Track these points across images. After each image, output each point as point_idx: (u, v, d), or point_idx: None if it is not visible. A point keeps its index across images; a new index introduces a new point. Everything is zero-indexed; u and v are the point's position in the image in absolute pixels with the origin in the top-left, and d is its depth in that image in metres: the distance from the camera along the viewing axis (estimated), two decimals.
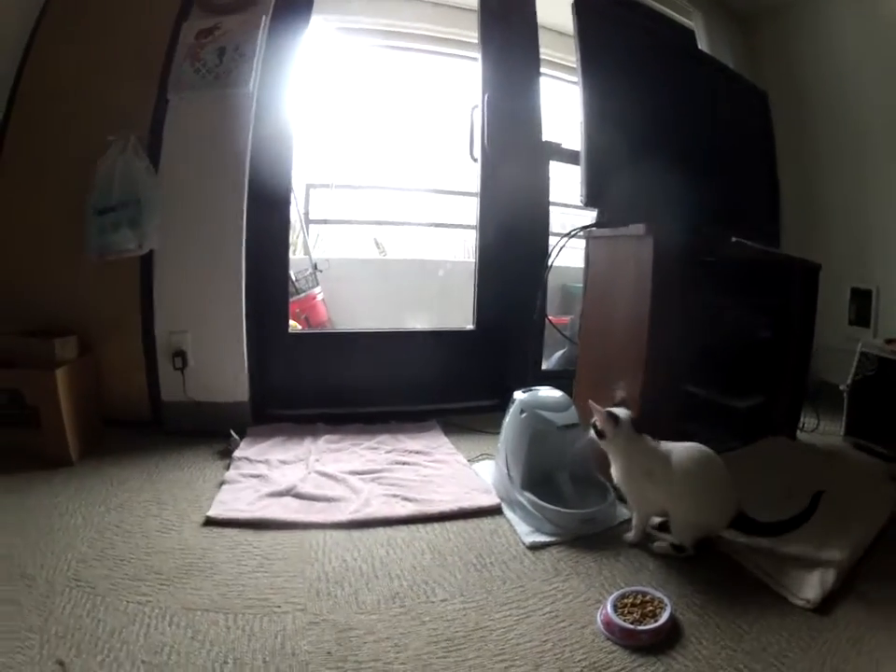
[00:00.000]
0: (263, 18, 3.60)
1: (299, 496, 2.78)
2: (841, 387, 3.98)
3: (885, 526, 2.69)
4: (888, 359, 3.79)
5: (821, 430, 4.11)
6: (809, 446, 3.84)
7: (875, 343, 3.97)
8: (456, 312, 4.96)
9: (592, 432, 2.54)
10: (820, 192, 5.24)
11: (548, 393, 2.93)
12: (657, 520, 2.56)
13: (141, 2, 3.62)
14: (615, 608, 1.98)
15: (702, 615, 2.03)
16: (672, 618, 1.95)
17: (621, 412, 2.50)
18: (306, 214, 6.46)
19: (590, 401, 2.56)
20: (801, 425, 4.06)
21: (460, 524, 2.63)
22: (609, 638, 1.89)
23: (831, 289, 4.26)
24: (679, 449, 2.40)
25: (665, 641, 1.87)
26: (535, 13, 4.34)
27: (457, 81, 6.00)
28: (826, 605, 2.10)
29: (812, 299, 3.88)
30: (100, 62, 3.55)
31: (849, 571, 2.30)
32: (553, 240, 4.17)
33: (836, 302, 4.95)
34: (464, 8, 5.35)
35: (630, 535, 2.54)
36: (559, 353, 4.85)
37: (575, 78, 3.15)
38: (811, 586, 2.16)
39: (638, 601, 2.02)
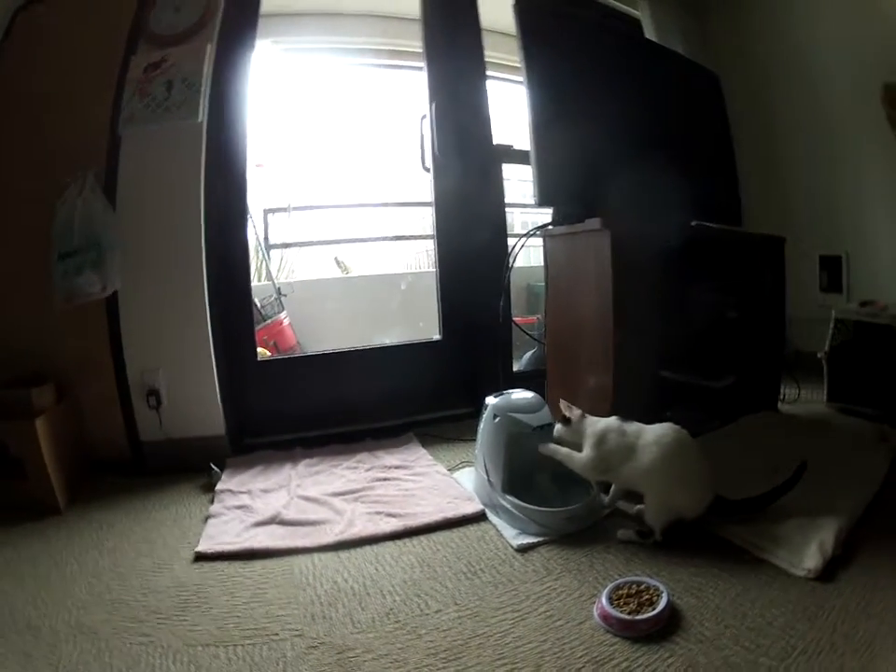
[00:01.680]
0: (209, 46, 3.59)
1: (283, 522, 2.78)
2: (819, 355, 4.02)
3: (880, 487, 2.72)
4: (863, 322, 3.84)
5: (803, 400, 4.18)
6: (792, 417, 3.88)
7: (849, 308, 4.03)
8: (423, 322, 4.98)
9: (558, 426, 2.61)
10: (783, 167, 5.30)
11: (520, 395, 2.94)
12: (636, 507, 2.58)
13: (89, 38, 3.60)
14: (610, 600, 1.98)
15: (700, 598, 2.04)
16: (670, 604, 1.95)
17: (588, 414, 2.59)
18: (266, 239, 6.47)
19: (561, 401, 2.63)
20: (782, 397, 4.12)
21: (446, 534, 2.64)
22: (608, 631, 1.89)
23: (800, 260, 4.36)
24: (651, 429, 2.44)
25: (665, 628, 1.88)
26: (477, 17, 4.36)
27: (407, 92, 6.05)
28: (828, 572, 2.11)
29: (780, 271, 3.95)
30: (51, 101, 3.54)
31: (848, 536, 2.31)
32: (512, 242, 4.19)
33: (807, 272, 5.00)
34: (408, 18, 5.36)
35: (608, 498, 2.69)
36: (529, 353, 4.86)
37: (519, 78, 3.17)
38: (811, 555, 2.17)
39: (634, 591, 2.03)
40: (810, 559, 2.14)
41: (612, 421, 2.52)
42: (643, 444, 2.40)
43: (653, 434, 2.41)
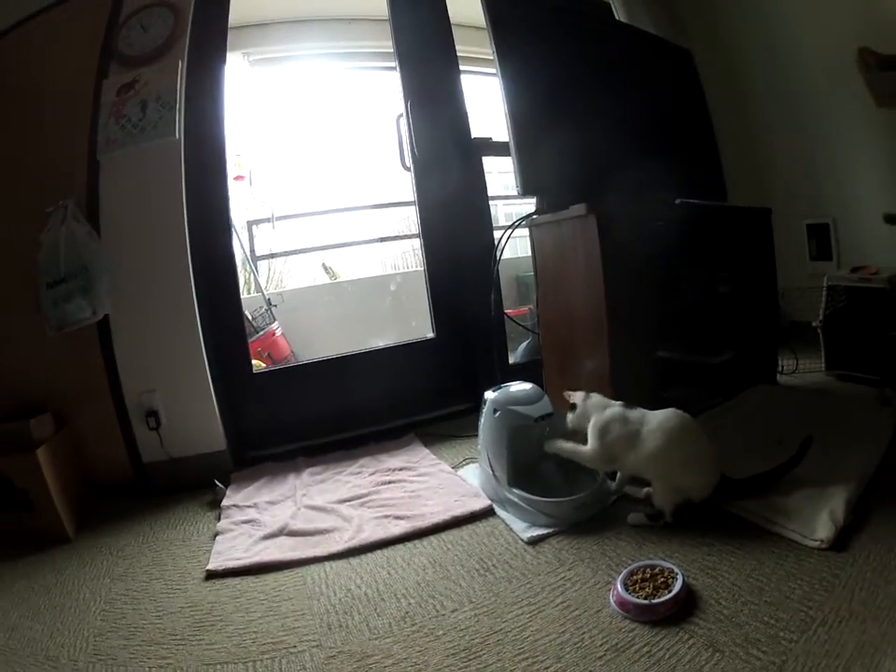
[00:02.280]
0: (180, 63, 3.57)
1: (292, 533, 2.77)
2: (814, 324, 4.03)
3: (886, 450, 2.72)
4: (856, 288, 3.86)
5: (801, 370, 4.18)
6: (792, 389, 3.91)
7: (840, 275, 4.04)
8: (415, 322, 4.97)
9: (569, 418, 2.61)
10: (763, 138, 5.32)
11: (518, 387, 2.92)
12: (644, 490, 2.57)
13: (61, 65, 3.59)
14: (626, 586, 1.98)
15: (716, 577, 2.04)
16: (686, 585, 1.94)
17: (593, 392, 2.61)
18: (252, 251, 6.44)
19: (564, 392, 2.66)
20: (780, 369, 4.12)
21: (455, 532, 2.64)
22: (626, 617, 1.89)
23: (787, 230, 4.44)
24: (654, 415, 2.44)
25: (683, 609, 1.87)
26: (446, 12, 4.35)
27: (382, 93, 6.04)
28: (841, 540, 2.11)
29: (768, 243, 3.96)
30: (28, 131, 3.54)
31: (858, 502, 2.31)
32: (498, 235, 4.18)
33: (795, 242, 5.04)
34: (376, 19, 5.36)
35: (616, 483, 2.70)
36: (524, 344, 4.86)
37: (494, 70, 3.16)
38: (822, 525, 2.16)
39: (648, 575, 2.02)
40: (822, 529, 2.14)
41: (616, 409, 2.51)
42: (647, 431, 2.40)
43: (657, 420, 2.41)
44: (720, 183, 4.28)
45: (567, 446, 2.60)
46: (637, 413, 2.48)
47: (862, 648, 1.61)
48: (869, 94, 4.23)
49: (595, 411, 2.54)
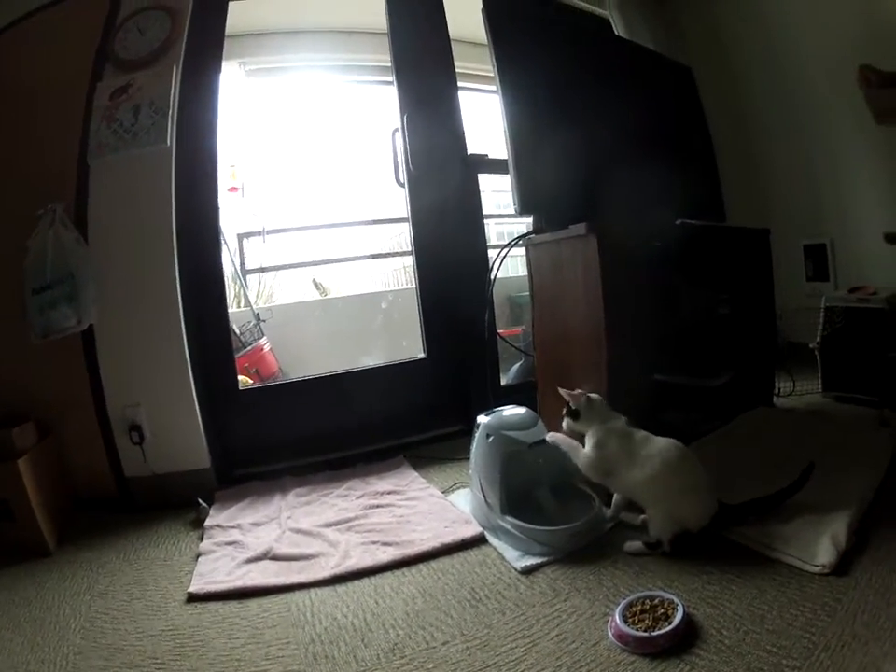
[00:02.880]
0: (174, 68, 3.53)
1: (276, 557, 2.70)
2: (811, 345, 4.04)
3: (886, 472, 2.74)
4: (854, 308, 3.86)
5: (798, 392, 4.18)
6: (790, 411, 3.93)
7: (839, 296, 4.04)
8: (406, 341, 4.93)
9: (565, 423, 2.57)
10: (761, 158, 5.34)
11: (512, 412, 2.88)
12: (640, 517, 2.52)
13: (55, 66, 3.54)
14: (624, 618, 1.92)
15: (717, 606, 2.00)
16: (686, 616, 1.89)
17: (593, 393, 2.56)
18: (242, 264, 6.40)
19: (559, 388, 2.61)
20: (777, 391, 4.12)
21: (446, 560, 2.56)
22: (624, 650, 1.83)
23: (784, 250, 4.41)
24: (655, 441, 2.41)
25: (684, 641, 1.82)
26: (446, 27, 4.33)
27: (378, 107, 6.02)
28: (843, 565, 2.10)
29: (767, 264, 3.96)
30: (19, 132, 3.50)
31: (859, 525, 2.31)
32: (492, 253, 4.14)
33: (792, 262, 5.05)
34: (375, 32, 5.33)
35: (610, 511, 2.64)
36: (516, 365, 4.83)
37: (493, 87, 3.13)
38: (824, 550, 2.15)
39: (648, 606, 1.97)
40: (824, 554, 2.14)
41: (621, 424, 2.48)
42: (645, 455, 2.37)
43: (657, 447, 2.38)
44: (718, 202, 4.26)
45: (569, 442, 2.57)
46: (640, 434, 2.45)
47: (865, 669, 1.62)
48: (868, 112, 4.24)
49: (597, 418, 2.50)
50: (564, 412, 2.58)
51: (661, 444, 2.38)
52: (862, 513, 2.38)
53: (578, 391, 2.56)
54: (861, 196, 4.67)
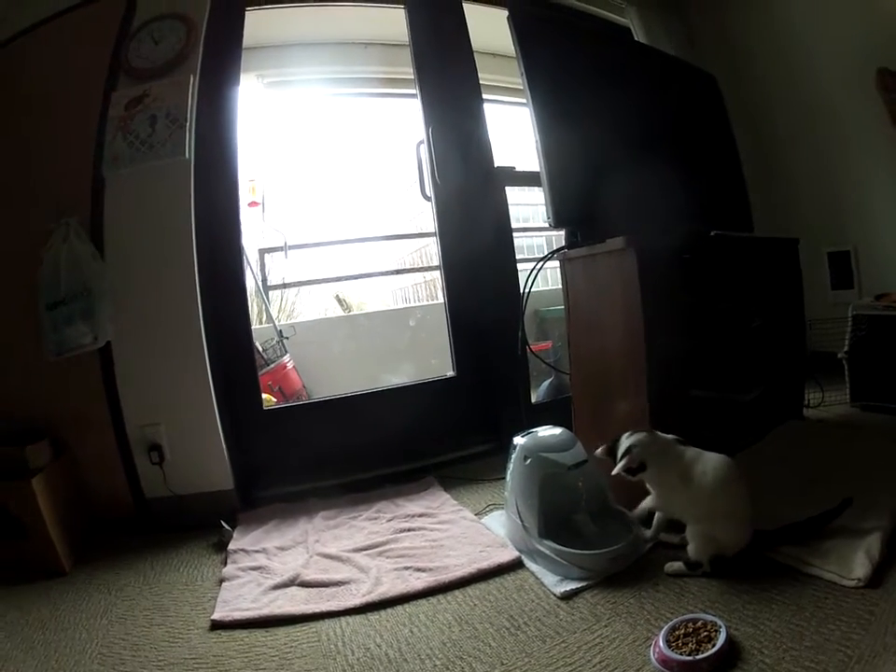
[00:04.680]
0: (192, 78, 3.48)
1: (304, 584, 2.60)
2: (839, 355, 4.04)
3: None
4: (880, 316, 3.85)
5: (827, 402, 4.16)
6: (820, 423, 3.91)
7: (865, 303, 4.04)
8: (436, 358, 4.86)
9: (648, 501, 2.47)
10: (782, 166, 5.32)
11: (549, 432, 2.78)
12: (679, 536, 2.43)
13: (69, 76, 3.50)
14: (668, 642, 1.86)
15: (757, 625, 1.95)
16: (729, 637, 1.85)
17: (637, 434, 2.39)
18: (264, 280, 6.36)
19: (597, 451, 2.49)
20: (806, 402, 4.10)
21: (482, 586, 2.47)
22: None
23: (809, 258, 4.29)
24: (708, 458, 2.32)
25: (726, 661, 1.78)
26: (468, 38, 4.27)
27: (402, 120, 6.00)
28: (876, 577, 2.09)
29: (796, 274, 3.95)
30: (32, 146, 3.43)
31: (892, 537, 2.31)
32: (520, 268, 4.07)
33: (816, 271, 5.00)
34: (397, 44, 5.28)
35: (650, 531, 2.55)
36: (546, 382, 4.79)
37: (517, 99, 3.09)
38: (859, 564, 2.14)
39: (691, 629, 1.91)
40: (859, 568, 2.12)
41: (672, 450, 2.37)
42: (699, 471, 2.28)
43: (710, 463, 2.29)
44: (746, 212, 4.22)
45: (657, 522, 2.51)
46: (690, 451, 2.36)
47: None
48: (888, 116, 4.20)
49: (653, 457, 2.35)
50: (622, 466, 2.36)
51: (714, 461, 2.30)
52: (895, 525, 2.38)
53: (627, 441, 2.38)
54: (883, 202, 4.67)
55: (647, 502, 2.50)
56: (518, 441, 2.76)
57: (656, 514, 2.51)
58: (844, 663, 1.69)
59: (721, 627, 1.87)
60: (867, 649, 1.73)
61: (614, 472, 2.36)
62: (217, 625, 2.36)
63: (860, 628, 1.83)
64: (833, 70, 4.70)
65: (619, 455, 2.37)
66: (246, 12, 3.91)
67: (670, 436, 2.41)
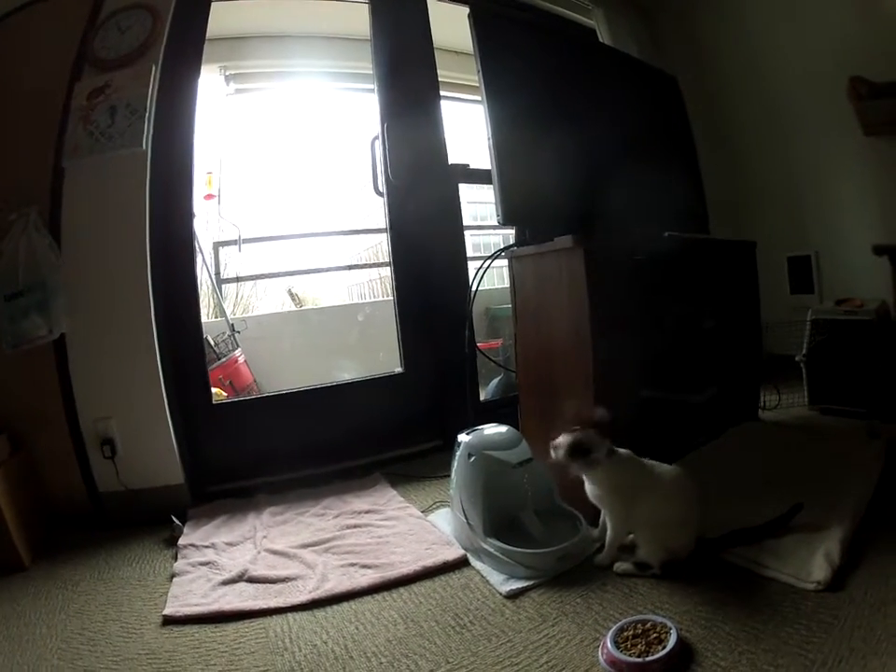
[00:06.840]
0: (153, 69, 3.48)
1: (252, 580, 2.63)
2: (797, 358, 4.05)
3: (877, 484, 2.76)
4: (840, 321, 3.89)
5: (784, 405, 4.21)
6: (776, 425, 3.94)
7: (826, 308, 4.07)
8: (384, 354, 4.88)
9: (576, 466, 2.38)
10: (744, 169, 5.37)
11: (494, 430, 2.82)
12: (630, 536, 2.46)
13: (33, 65, 3.49)
14: (616, 643, 1.88)
15: (710, 627, 1.97)
16: (680, 639, 1.86)
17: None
18: (217, 274, 6.33)
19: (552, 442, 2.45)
20: (762, 404, 4.14)
21: (428, 584, 2.50)
22: None
23: (768, 263, 4.35)
24: (663, 469, 2.36)
25: (678, 665, 1.79)
26: (429, 35, 4.31)
27: (359, 115, 5.99)
28: (837, 580, 2.10)
29: (753, 276, 3.99)
30: None
31: (852, 540, 2.31)
32: (470, 265, 4.11)
33: (776, 275, 5.07)
34: (358, 39, 5.29)
35: (602, 556, 2.47)
36: (495, 380, 4.79)
37: (476, 97, 3.10)
38: (818, 567, 2.15)
39: (640, 631, 1.93)
40: (818, 571, 2.13)
41: (629, 458, 2.38)
42: (655, 482, 2.32)
43: (668, 475, 2.34)
44: (702, 214, 4.28)
45: (612, 540, 2.45)
46: (648, 463, 2.39)
47: None
48: (856, 123, 4.26)
49: (624, 464, 2.37)
50: (565, 452, 2.37)
51: (671, 473, 2.34)
52: (856, 528, 2.39)
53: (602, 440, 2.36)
54: (846, 208, 4.72)
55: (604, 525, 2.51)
56: (463, 438, 2.79)
57: (602, 514, 2.50)
58: (805, 667, 1.71)
59: (671, 629, 1.89)
60: (831, 652, 1.74)
61: (554, 442, 2.39)
62: (169, 620, 2.38)
63: (821, 631, 1.85)
64: (800, 77, 4.76)
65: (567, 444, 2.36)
66: (212, 3, 3.90)
67: (623, 450, 2.40)
